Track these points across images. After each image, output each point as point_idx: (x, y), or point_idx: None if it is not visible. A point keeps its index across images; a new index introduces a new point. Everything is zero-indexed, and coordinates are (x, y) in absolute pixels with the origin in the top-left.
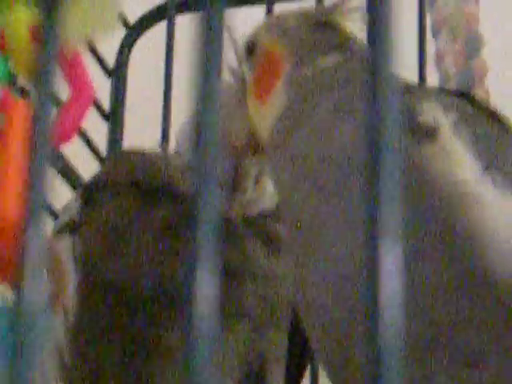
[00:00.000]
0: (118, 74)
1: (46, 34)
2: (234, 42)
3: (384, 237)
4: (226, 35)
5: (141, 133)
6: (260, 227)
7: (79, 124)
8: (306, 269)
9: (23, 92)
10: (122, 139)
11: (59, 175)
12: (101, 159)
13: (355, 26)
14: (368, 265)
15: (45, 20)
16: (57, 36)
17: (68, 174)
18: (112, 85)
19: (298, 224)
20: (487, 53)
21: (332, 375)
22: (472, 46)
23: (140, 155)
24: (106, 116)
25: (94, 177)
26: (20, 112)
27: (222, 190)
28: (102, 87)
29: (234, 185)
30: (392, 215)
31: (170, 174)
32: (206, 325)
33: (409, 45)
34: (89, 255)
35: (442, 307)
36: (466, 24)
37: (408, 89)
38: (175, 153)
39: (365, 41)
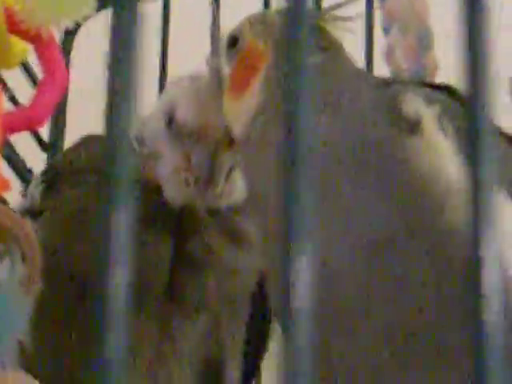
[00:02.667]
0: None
1: None
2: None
3: None
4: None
5: None
6: (225, 220)
7: (53, 106)
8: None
9: None
10: None
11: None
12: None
13: (339, 33)
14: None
15: None
16: None
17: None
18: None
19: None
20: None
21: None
22: (423, 40)
23: (102, 140)
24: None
25: (56, 161)
26: None
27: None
28: None
29: (209, 177)
30: None
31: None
32: None
33: (357, 39)
34: (48, 243)
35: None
36: (417, 19)
37: (390, 81)
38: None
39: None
